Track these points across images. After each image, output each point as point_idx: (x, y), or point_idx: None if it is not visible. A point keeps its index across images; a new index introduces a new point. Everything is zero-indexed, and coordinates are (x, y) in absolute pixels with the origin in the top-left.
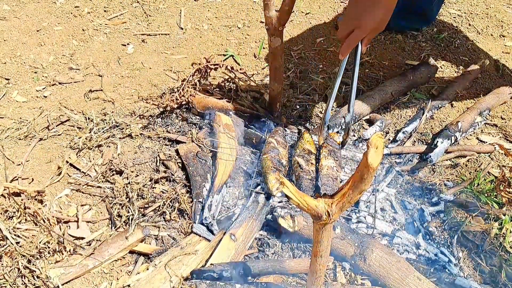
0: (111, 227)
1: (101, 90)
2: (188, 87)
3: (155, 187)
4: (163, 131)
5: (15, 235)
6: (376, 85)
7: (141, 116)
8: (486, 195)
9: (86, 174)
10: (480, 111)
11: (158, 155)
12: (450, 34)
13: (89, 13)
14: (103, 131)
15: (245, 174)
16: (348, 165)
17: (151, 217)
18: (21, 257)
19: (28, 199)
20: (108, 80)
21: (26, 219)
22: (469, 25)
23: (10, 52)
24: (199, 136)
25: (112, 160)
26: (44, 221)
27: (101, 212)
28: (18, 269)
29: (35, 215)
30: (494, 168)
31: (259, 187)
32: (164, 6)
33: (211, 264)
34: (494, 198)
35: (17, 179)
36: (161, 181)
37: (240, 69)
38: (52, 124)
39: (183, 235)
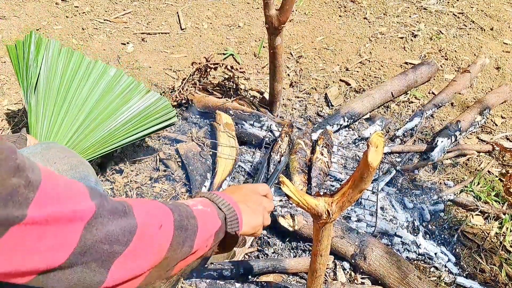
0: None
1: None
2: (188, 86)
3: (155, 186)
4: (163, 130)
5: None
6: (376, 84)
7: None
8: (486, 194)
9: None
10: (480, 110)
11: (158, 154)
12: (451, 33)
13: (89, 12)
14: None
15: (245, 173)
16: (349, 164)
17: None
18: None
19: None
20: None
21: None
22: (470, 24)
23: None
24: (199, 135)
25: (111, 159)
26: None
27: None
28: None
29: None
30: (494, 167)
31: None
32: (164, 5)
33: (211, 263)
34: (494, 197)
35: None
36: (161, 180)
37: (240, 68)
38: None
39: None
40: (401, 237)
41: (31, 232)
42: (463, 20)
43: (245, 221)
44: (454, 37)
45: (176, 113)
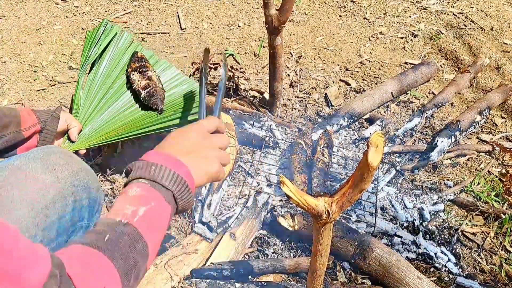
0: None
1: None
2: None
3: None
4: None
5: None
6: (376, 84)
7: None
8: (486, 194)
9: None
10: (480, 110)
11: None
12: (451, 33)
13: (89, 12)
14: None
15: (245, 173)
16: (349, 164)
17: None
18: None
19: None
20: None
21: None
22: (470, 24)
23: (10, 51)
24: None
25: (111, 159)
26: None
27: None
28: None
29: None
30: (494, 167)
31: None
32: (164, 5)
33: (211, 263)
34: (494, 197)
35: None
36: None
37: (240, 68)
38: None
39: (183, 234)
40: (401, 237)
41: None
42: (463, 20)
43: (196, 177)
44: (454, 37)
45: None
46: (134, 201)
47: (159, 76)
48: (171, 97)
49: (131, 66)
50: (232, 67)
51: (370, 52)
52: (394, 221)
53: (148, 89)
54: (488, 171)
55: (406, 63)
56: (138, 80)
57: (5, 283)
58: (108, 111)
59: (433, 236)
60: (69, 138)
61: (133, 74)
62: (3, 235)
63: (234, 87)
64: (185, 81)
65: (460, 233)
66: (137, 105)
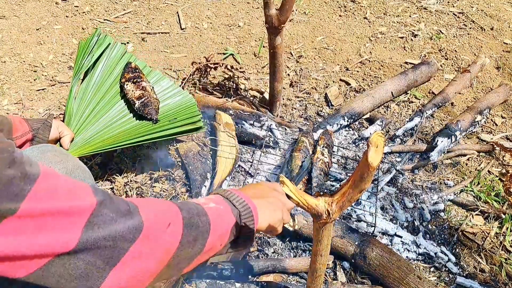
0: None
1: None
2: (188, 86)
3: (155, 186)
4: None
5: None
6: (376, 83)
7: None
8: (486, 194)
9: None
10: (480, 110)
11: (158, 154)
12: (451, 33)
13: (89, 12)
14: None
15: (245, 173)
16: (349, 164)
17: None
18: None
19: None
20: None
21: None
22: (470, 23)
23: (10, 50)
24: (199, 135)
25: (111, 159)
26: None
27: None
28: None
29: None
30: (494, 167)
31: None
32: (164, 4)
33: (211, 262)
34: (494, 197)
35: None
36: (160, 180)
37: (240, 68)
38: None
39: None
40: (401, 237)
41: (26, 225)
42: (463, 20)
43: (261, 216)
44: (454, 37)
45: (202, 118)
46: (207, 199)
47: (153, 87)
48: (165, 107)
49: (124, 76)
50: (232, 67)
51: (370, 52)
52: (394, 221)
53: (142, 99)
54: (488, 171)
55: (406, 62)
56: (132, 90)
57: (60, 217)
58: (101, 120)
59: (433, 236)
60: (61, 146)
61: (126, 84)
62: (49, 179)
63: (234, 87)
64: (178, 92)
65: (460, 233)
66: (131, 115)
